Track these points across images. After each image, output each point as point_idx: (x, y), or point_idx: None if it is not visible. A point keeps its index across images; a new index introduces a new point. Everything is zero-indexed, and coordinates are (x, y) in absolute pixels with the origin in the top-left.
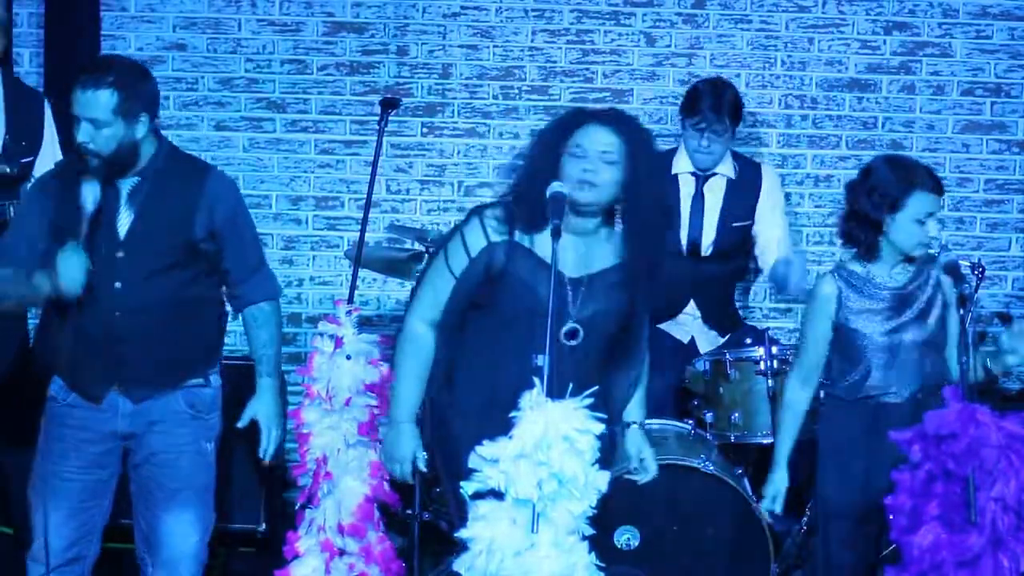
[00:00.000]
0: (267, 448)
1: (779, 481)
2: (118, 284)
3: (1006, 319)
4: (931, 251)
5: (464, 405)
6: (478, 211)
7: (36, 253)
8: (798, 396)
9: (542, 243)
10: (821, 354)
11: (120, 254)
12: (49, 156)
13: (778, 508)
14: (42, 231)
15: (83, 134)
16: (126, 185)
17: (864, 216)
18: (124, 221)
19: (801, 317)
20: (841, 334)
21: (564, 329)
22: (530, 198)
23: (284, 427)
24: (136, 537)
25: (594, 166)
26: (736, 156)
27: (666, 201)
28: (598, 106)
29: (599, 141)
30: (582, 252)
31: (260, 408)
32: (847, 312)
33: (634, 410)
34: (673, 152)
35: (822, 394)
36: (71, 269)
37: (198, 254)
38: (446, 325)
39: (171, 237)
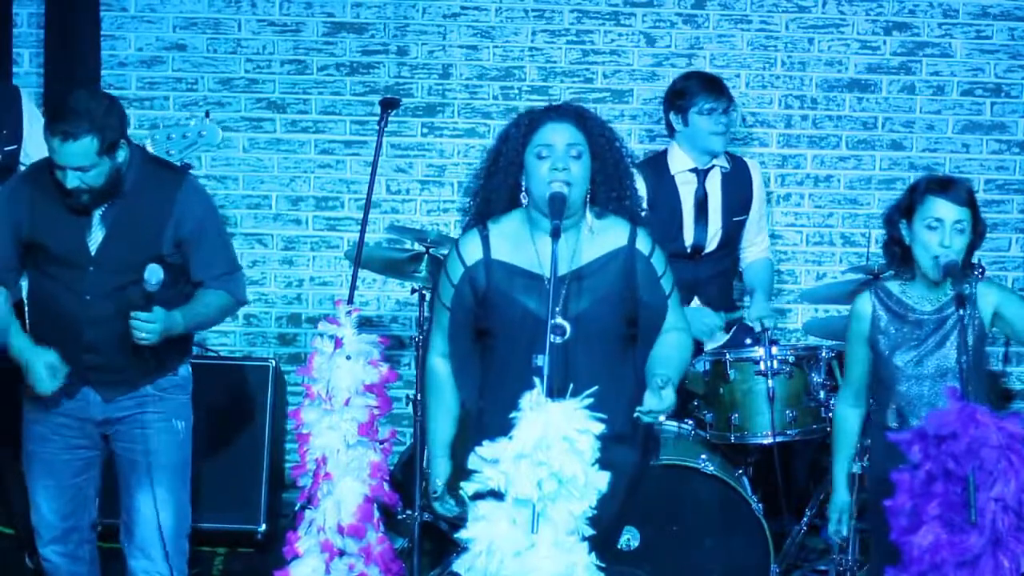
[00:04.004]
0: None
1: (839, 503)
2: (88, 296)
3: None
4: (942, 261)
5: (489, 427)
6: (455, 240)
7: (8, 265)
8: (844, 414)
9: (519, 253)
10: (862, 372)
11: (91, 268)
12: (37, 144)
13: (844, 531)
14: (12, 241)
15: (73, 180)
16: None
17: (890, 228)
18: (95, 237)
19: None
20: (875, 355)
21: (550, 324)
22: (498, 204)
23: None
24: (120, 531)
25: (565, 163)
26: None
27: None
28: (544, 104)
29: (564, 138)
30: (566, 249)
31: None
32: (878, 332)
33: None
34: (663, 155)
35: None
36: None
37: (167, 267)
38: (456, 352)
39: (140, 254)
